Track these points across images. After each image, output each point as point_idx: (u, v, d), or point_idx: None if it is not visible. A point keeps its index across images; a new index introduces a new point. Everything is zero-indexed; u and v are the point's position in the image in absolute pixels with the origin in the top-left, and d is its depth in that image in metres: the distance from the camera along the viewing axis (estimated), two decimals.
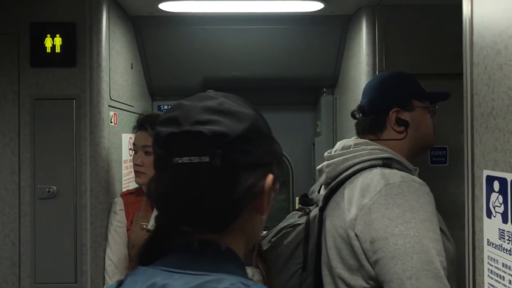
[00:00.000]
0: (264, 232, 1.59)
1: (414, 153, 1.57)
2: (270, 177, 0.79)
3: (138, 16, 2.61)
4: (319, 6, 2.46)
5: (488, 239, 1.12)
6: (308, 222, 1.46)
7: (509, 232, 1.03)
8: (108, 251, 2.07)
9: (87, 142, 2.09)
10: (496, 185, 1.08)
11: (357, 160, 1.42)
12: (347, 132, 2.72)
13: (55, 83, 2.10)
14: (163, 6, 2.40)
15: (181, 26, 2.73)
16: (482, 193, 1.13)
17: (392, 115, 1.54)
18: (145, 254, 0.79)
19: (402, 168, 1.43)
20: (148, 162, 2.04)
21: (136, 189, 2.18)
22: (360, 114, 1.61)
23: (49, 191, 2.07)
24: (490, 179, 1.11)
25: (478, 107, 1.15)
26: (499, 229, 1.07)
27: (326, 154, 1.59)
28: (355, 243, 1.32)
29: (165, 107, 3.19)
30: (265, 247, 1.46)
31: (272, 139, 0.84)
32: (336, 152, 1.52)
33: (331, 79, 3.01)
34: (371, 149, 1.45)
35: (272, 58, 2.88)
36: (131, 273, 0.77)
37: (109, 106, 2.20)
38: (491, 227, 1.11)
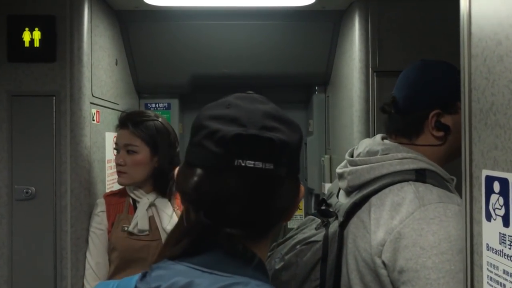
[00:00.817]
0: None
1: (448, 161, 1.35)
2: (302, 187, 0.81)
3: (123, 10, 2.52)
4: (310, 0, 2.38)
5: (487, 244, 1.04)
6: (326, 239, 1.26)
7: (511, 236, 0.95)
8: (87, 255, 1.98)
9: (67, 140, 2.00)
10: (497, 186, 1.00)
11: (385, 171, 1.22)
12: (339, 130, 2.65)
13: (34, 79, 2.00)
14: (148, 0, 2.32)
15: (168, 21, 2.65)
16: (481, 194, 1.06)
17: (432, 118, 1.29)
18: (173, 248, 0.77)
19: (439, 181, 1.24)
20: (130, 162, 1.94)
21: (119, 190, 2.09)
22: (393, 111, 1.36)
23: (27, 192, 1.98)
24: (489, 180, 1.03)
25: (477, 102, 1.07)
26: (500, 233, 1.00)
27: (347, 156, 1.38)
28: (382, 271, 1.15)
29: (153, 105, 3.10)
30: (278, 264, 1.30)
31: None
32: (361, 158, 1.30)
33: (323, 77, 2.94)
34: (402, 158, 1.24)
35: (262, 55, 2.80)
36: (156, 267, 0.75)
37: (91, 103, 2.11)
38: (491, 231, 1.03)
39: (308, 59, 2.84)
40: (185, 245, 0.76)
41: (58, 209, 2.00)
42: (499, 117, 0.97)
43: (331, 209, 1.36)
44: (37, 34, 1.98)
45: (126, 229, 1.96)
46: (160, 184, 2.02)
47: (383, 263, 1.15)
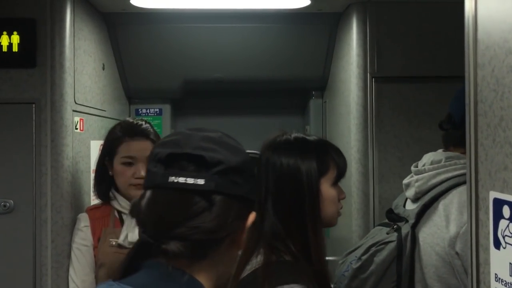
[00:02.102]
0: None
1: None
2: (253, 215, 0.82)
3: (111, 13, 2.42)
4: (306, 2, 2.28)
5: (496, 274, 0.93)
6: (400, 239, 1.40)
7: None
8: (71, 272, 1.87)
9: (47, 150, 1.90)
10: (506, 211, 0.90)
11: (450, 174, 1.39)
12: (337, 137, 2.54)
13: (12, 85, 1.90)
14: (134, 2, 2.21)
15: (158, 24, 2.55)
16: (488, 219, 0.95)
17: None
18: (120, 268, 0.80)
19: None
20: None
21: (102, 203, 1.98)
22: (450, 126, 1.50)
23: (5, 206, 1.87)
24: (498, 203, 0.92)
25: (484, 116, 0.96)
26: (511, 263, 0.89)
27: (413, 168, 1.51)
28: (456, 262, 1.30)
29: (144, 111, 3.00)
30: (355, 264, 1.43)
31: (255, 180, 0.87)
32: (426, 167, 1.44)
33: (320, 82, 2.83)
34: (465, 163, 1.32)
35: (257, 59, 2.70)
36: (99, 286, 0.78)
37: (74, 111, 2.00)
38: (500, 260, 0.92)
39: (304, 63, 2.74)
40: (125, 264, 0.79)
41: (38, 223, 1.89)
42: (510, 134, 0.87)
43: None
44: (15, 38, 1.88)
45: (114, 243, 1.85)
46: None
47: (457, 253, 1.29)
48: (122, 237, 1.85)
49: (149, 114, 3.00)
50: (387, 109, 2.21)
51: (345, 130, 2.35)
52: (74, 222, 1.94)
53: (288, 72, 2.79)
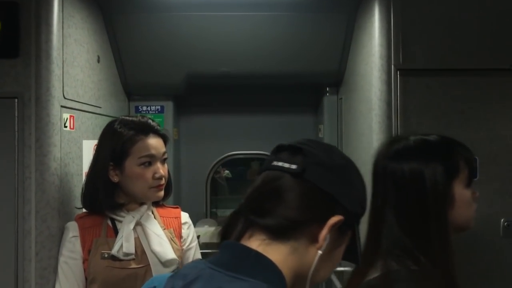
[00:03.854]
0: None
1: None
2: (337, 217, 0.83)
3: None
4: None
5: None
6: None
7: None
8: None
9: (32, 151, 1.69)
10: None
11: None
12: (355, 138, 2.31)
13: None
14: None
15: (159, 13, 2.34)
16: None
17: None
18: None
19: None
20: (166, 172, 1.75)
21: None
22: None
23: None
24: None
25: None
26: None
27: None
28: None
29: (144, 108, 2.77)
30: None
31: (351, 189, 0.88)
32: None
33: (336, 76, 2.61)
34: None
35: (266, 51, 2.49)
36: (184, 266, 0.90)
37: (63, 106, 1.78)
38: None
39: (318, 55, 2.51)
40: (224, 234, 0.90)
41: (21, 234, 1.68)
42: None
43: None
44: None
45: (106, 255, 1.63)
46: (168, 190, 1.82)
47: None
48: (116, 247, 1.64)
49: (150, 111, 2.78)
50: (414, 106, 1.98)
51: (366, 130, 2.11)
52: (61, 232, 1.72)
53: (301, 66, 2.57)
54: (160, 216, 1.81)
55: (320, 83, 2.75)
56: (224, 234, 0.89)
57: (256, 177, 0.90)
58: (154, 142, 1.69)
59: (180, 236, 1.80)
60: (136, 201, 1.72)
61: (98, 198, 1.66)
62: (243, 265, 0.80)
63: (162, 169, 1.70)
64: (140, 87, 2.68)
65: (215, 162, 3.00)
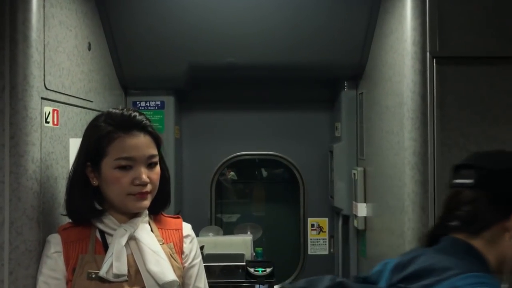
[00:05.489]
0: None
1: None
2: None
3: None
4: None
5: None
6: None
7: None
8: None
9: (5, 151, 1.42)
10: None
11: None
12: (381, 137, 2.04)
13: None
14: None
15: None
16: None
17: None
18: (425, 239, 1.18)
19: None
20: (155, 177, 1.43)
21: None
22: None
23: None
24: None
25: None
26: None
27: None
28: None
29: (143, 104, 2.52)
30: None
31: None
32: None
33: (356, 68, 2.35)
34: None
35: (277, 39, 2.26)
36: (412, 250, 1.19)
37: (44, 98, 1.52)
38: None
39: (336, 43, 2.27)
40: (428, 237, 1.18)
41: None
42: None
43: None
44: None
45: (93, 276, 1.38)
46: (163, 200, 1.55)
47: None
48: (105, 267, 1.38)
49: (149, 107, 2.52)
50: (453, 99, 1.72)
51: (395, 127, 1.84)
52: (41, 246, 1.45)
53: (316, 56, 2.33)
54: (158, 228, 1.54)
55: (337, 76, 2.50)
56: (430, 239, 1.15)
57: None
58: (137, 142, 1.40)
59: (181, 252, 1.54)
60: (119, 211, 1.45)
61: (75, 203, 1.41)
62: (457, 251, 1.05)
63: (145, 174, 1.39)
64: (138, 80, 2.43)
65: (221, 163, 2.74)
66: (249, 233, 2.59)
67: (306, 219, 2.73)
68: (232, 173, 3.52)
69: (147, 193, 1.40)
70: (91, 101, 1.95)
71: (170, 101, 2.51)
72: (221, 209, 3.12)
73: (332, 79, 2.54)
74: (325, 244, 2.75)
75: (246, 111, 2.73)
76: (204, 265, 2.15)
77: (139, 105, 2.50)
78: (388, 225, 1.97)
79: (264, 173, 3.27)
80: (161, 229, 1.55)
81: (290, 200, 3.02)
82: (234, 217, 3.12)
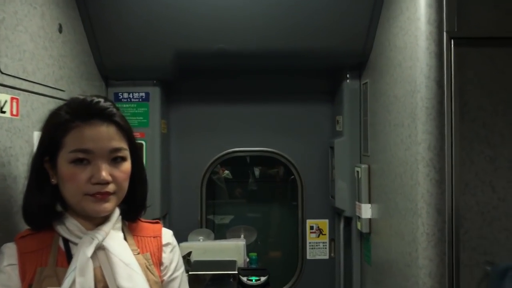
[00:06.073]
0: None
1: None
2: None
3: None
4: None
5: None
6: None
7: None
8: None
9: None
10: None
11: None
12: (390, 131, 1.82)
13: None
14: None
15: None
16: None
17: None
18: None
19: None
20: (122, 175, 1.21)
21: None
22: None
23: None
24: None
25: None
26: None
27: None
28: None
29: (125, 95, 2.30)
30: None
31: None
32: None
33: (359, 55, 2.14)
34: None
35: (271, 23, 2.05)
36: None
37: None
38: None
39: (337, 29, 2.06)
40: None
41: None
42: None
43: None
44: None
45: None
46: (137, 205, 1.32)
47: None
48: (66, 284, 1.16)
49: (133, 99, 2.30)
50: (474, 86, 1.51)
51: (406, 119, 1.62)
52: None
53: (314, 43, 2.12)
54: (134, 236, 1.32)
55: (339, 65, 2.28)
56: None
57: None
58: (97, 132, 1.18)
59: (160, 263, 1.32)
60: (82, 216, 1.23)
61: (31, 203, 1.20)
62: None
63: (106, 171, 1.17)
64: (120, 69, 2.21)
65: (212, 160, 2.52)
66: (242, 236, 2.38)
67: (304, 221, 2.52)
68: (226, 171, 3.30)
69: (108, 194, 1.18)
70: (63, 90, 1.72)
71: (155, 92, 2.29)
72: (214, 210, 2.91)
73: (333, 68, 2.32)
74: (325, 248, 2.53)
75: (240, 103, 2.50)
76: (192, 274, 1.93)
77: (121, 96, 2.28)
78: (397, 228, 1.75)
79: (261, 172, 3.06)
80: (137, 236, 1.33)
81: (288, 201, 2.81)
82: (227, 219, 2.90)
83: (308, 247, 2.53)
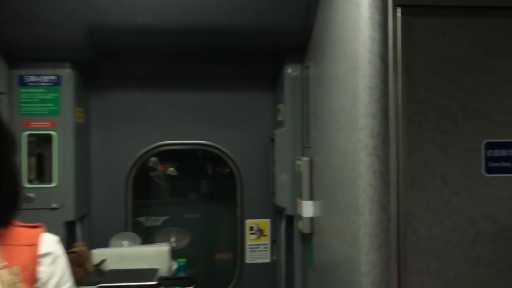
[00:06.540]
0: None
1: None
2: None
3: None
4: None
5: None
6: None
7: None
8: None
9: None
10: None
11: None
12: (328, 118, 1.60)
13: None
14: None
15: None
16: None
17: None
18: None
19: None
20: None
21: None
22: None
23: None
24: None
25: None
26: None
27: None
28: None
29: (32, 78, 1.99)
30: None
31: None
32: None
33: (300, 34, 1.91)
34: None
35: None
36: None
37: None
38: None
39: (274, 3, 1.79)
40: None
41: None
42: None
43: None
44: None
45: None
46: (7, 205, 1.05)
47: None
48: None
49: (42, 83, 2.00)
50: (423, 62, 1.30)
51: (347, 101, 1.41)
52: None
53: (249, 19, 1.91)
54: (2, 244, 1.03)
55: (278, 46, 2.06)
56: None
57: None
58: None
59: (33, 279, 1.03)
60: None
61: None
62: None
63: None
64: (24, 48, 1.92)
65: (139, 154, 2.24)
66: (173, 240, 2.11)
67: (243, 221, 2.28)
68: (171, 168, 3.04)
69: None
70: None
71: (68, 75, 1.99)
72: (147, 210, 2.62)
73: (272, 49, 2.11)
74: (266, 251, 2.30)
75: (170, 90, 2.24)
76: (103, 287, 1.65)
77: (27, 80, 1.98)
78: (339, 228, 1.54)
79: (198, 167, 2.81)
80: (5, 245, 1.04)
81: (226, 199, 2.56)
82: (160, 220, 2.63)
83: (247, 249, 2.29)
